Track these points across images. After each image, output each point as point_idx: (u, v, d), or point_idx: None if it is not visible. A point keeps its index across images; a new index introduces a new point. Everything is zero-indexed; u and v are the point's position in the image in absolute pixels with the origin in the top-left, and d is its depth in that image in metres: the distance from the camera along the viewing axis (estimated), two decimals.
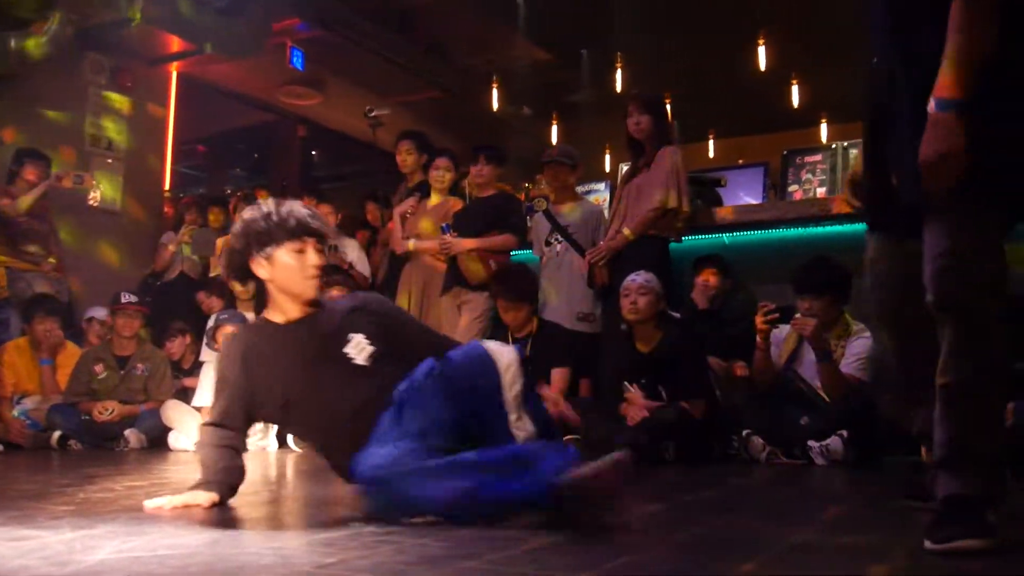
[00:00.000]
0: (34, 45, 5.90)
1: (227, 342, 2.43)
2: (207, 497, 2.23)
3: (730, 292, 4.81)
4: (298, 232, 2.31)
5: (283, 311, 2.36)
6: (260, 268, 2.32)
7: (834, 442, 3.71)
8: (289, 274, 2.30)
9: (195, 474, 2.37)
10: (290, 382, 2.27)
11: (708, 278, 4.75)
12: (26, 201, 5.56)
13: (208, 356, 5.27)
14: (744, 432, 3.99)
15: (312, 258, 2.31)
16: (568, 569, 1.46)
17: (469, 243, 4.87)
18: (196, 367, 5.41)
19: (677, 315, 4.46)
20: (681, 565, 1.58)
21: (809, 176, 5.22)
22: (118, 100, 7.05)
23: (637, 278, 4.11)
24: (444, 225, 4.97)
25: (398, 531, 1.92)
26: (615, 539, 1.84)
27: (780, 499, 2.84)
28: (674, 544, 1.79)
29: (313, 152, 11.00)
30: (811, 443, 3.80)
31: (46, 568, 1.39)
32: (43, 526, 1.85)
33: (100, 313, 5.69)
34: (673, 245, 4.69)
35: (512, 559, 1.56)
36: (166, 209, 7.47)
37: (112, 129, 7.01)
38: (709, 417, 4.01)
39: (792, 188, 5.25)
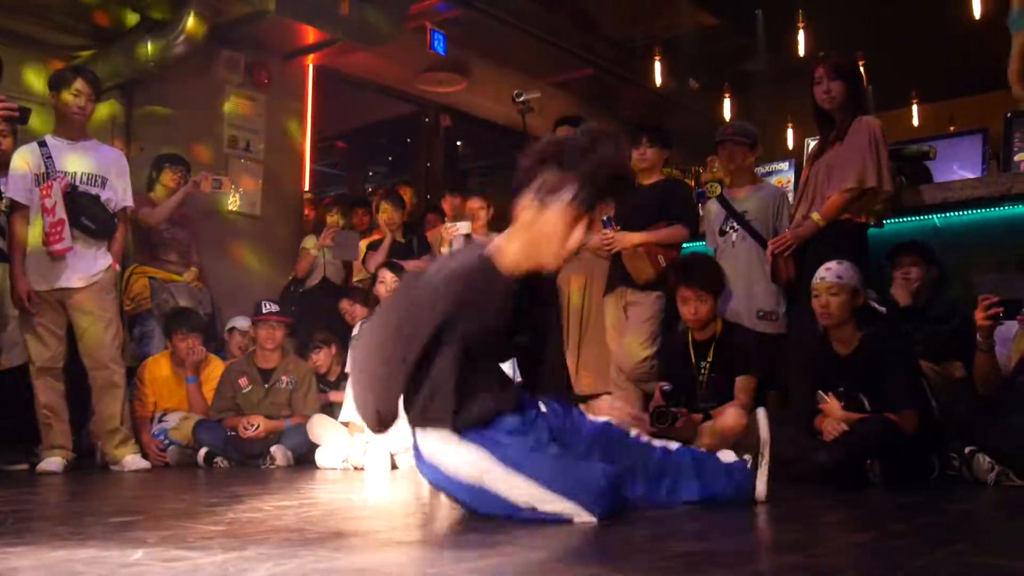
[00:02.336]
0: (168, 46, 6.28)
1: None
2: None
3: (938, 284, 4.56)
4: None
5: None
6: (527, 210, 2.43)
7: None
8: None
9: (341, 494, 2.46)
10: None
11: (909, 270, 4.51)
12: (165, 208, 5.92)
13: None
14: (967, 449, 3.77)
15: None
16: None
17: (634, 237, 4.84)
18: (342, 379, 5.62)
19: (883, 309, 4.27)
20: None
21: None
22: (255, 98, 7.42)
23: (827, 275, 3.93)
24: (605, 218, 4.95)
25: (572, 557, 1.93)
26: (809, 574, 1.79)
27: (1014, 530, 2.67)
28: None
29: (458, 143, 11.22)
30: None
31: None
32: (194, 547, 1.96)
33: (241, 323, 5.99)
34: (872, 231, 4.51)
35: (667, 569, 1.54)
36: (306, 211, 7.78)
37: (249, 129, 7.39)
38: (922, 431, 3.81)
39: (1019, 157, 4.94)
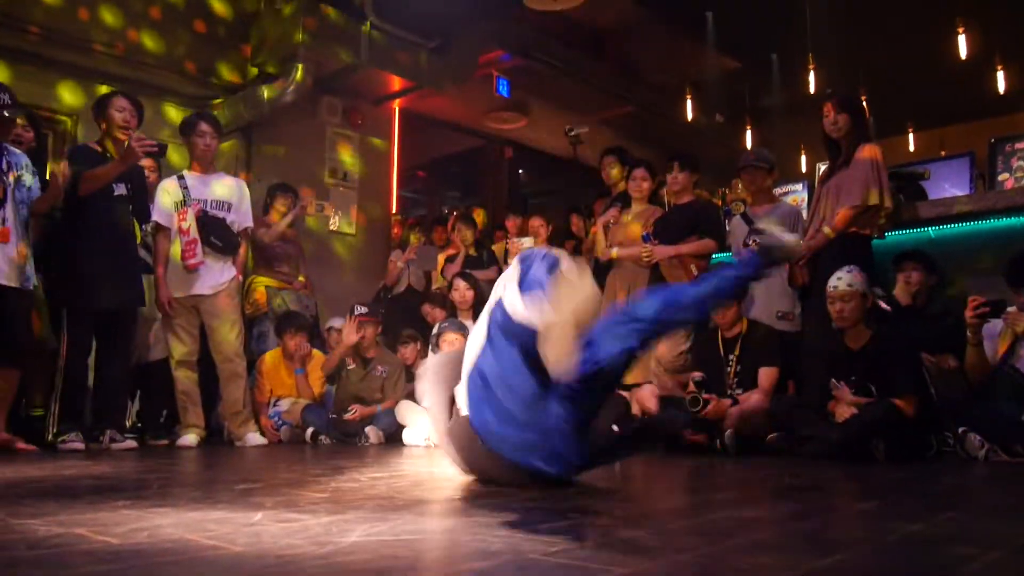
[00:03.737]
0: (280, 94, 6.39)
1: None
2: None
3: (935, 288, 4.44)
4: None
5: None
6: None
7: None
8: None
9: (424, 468, 2.46)
10: None
11: (911, 274, 4.40)
12: (278, 228, 6.02)
13: None
14: (960, 429, 3.67)
15: None
16: (773, 570, 1.40)
17: (670, 250, 4.80)
18: None
19: (888, 308, 4.18)
20: (896, 565, 1.47)
21: (1021, 163, 4.74)
22: (350, 136, 7.51)
23: (839, 284, 3.87)
24: (645, 234, 4.92)
25: (611, 523, 1.92)
26: (821, 537, 1.75)
27: (1005, 497, 2.59)
28: (886, 544, 1.67)
29: (520, 171, 11.24)
30: None
31: (310, 547, 1.50)
32: (304, 510, 1.99)
33: (338, 323, 6.04)
34: (876, 242, 4.41)
35: (722, 553, 1.52)
36: (394, 230, 7.85)
37: (346, 162, 7.48)
38: (921, 414, 3.72)
39: (1002, 177, 4.79)
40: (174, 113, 6.47)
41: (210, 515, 1.90)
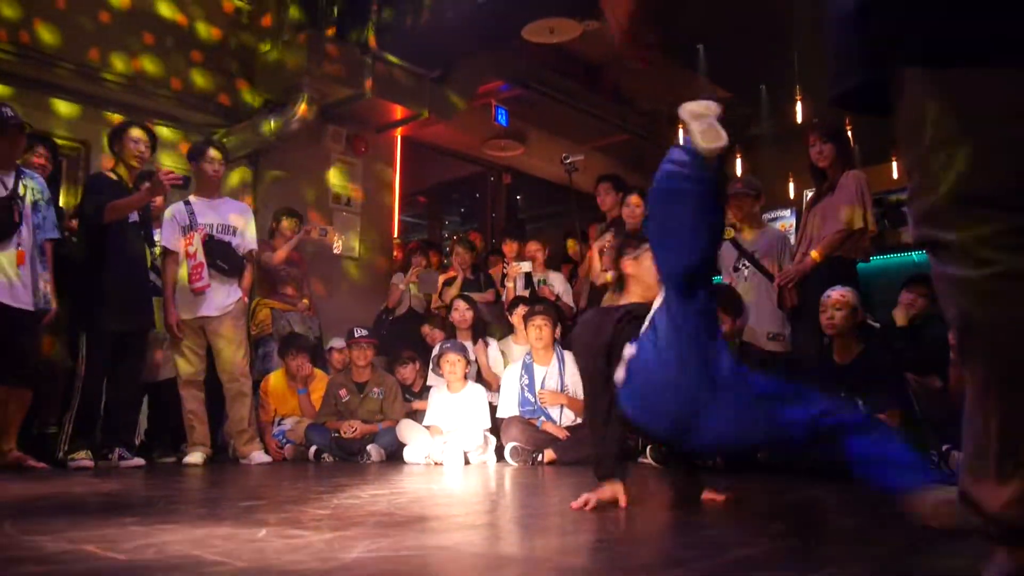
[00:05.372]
0: (286, 123, 6.43)
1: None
2: (611, 491, 2.43)
3: (931, 313, 4.45)
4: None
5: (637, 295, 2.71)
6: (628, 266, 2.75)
7: None
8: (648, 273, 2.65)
9: (424, 484, 2.46)
10: None
11: (916, 299, 4.41)
12: (283, 252, 6.03)
13: (434, 381, 5.49)
14: (944, 447, 3.67)
15: None
16: None
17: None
18: (424, 391, 5.64)
19: (877, 324, 4.20)
20: None
21: None
22: (354, 163, 7.55)
23: (833, 293, 3.94)
24: None
25: (611, 539, 1.92)
26: (813, 553, 1.75)
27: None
28: (871, 556, 1.67)
29: (518, 197, 11.27)
30: None
31: (313, 563, 1.50)
32: (307, 527, 1.99)
33: (339, 344, 6.03)
34: (861, 265, 4.43)
35: (715, 568, 1.52)
36: (395, 253, 7.86)
37: (350, 188, 7.51)
38: (905, 431, 3.72)
39: None
40: (174, 137, 6.50)
41: (216, 531, 1.90)
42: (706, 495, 2.59)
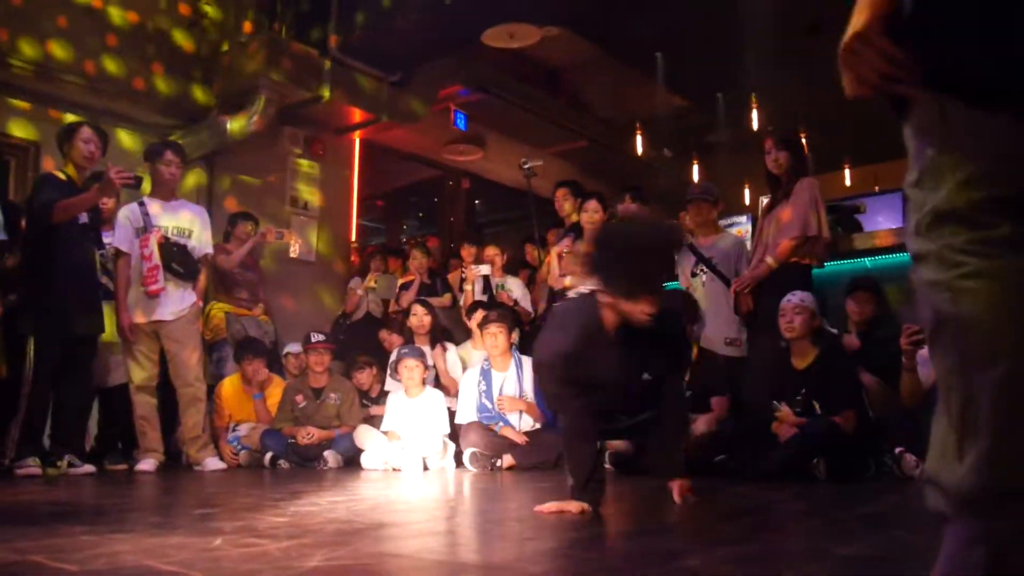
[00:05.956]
0: (244, 124, 6.35)
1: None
2: (579, 506, 2.44)
3: (880, 315, 4.53)
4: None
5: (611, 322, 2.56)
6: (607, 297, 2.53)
7: None
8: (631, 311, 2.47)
9: (382, 491, 2.45)
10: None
11: (862, 307, 4.45)
12: (238, 255, 5.94)
13: (392, 386, 5.45)
14: (897, 450, 3.76)
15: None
16: None
17: None
18: (382, 396, 5.60)
19: (835, 331, 4.28)
20: None
21: None
22: (311, 166, 7.48)
23: (792, 298, 4.01)
24: None
25: (570, 546, 1.92)
26: (772, 558, 1.77)
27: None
28: (836, 561, 1.70)
29: (476, 201, 11.28)
30: None
31: (270, 572, 1.47)
32: (263, 535, 1.96)
33: (295, 348, 5.96)
34: (815, 271, 4.51)
35: (672, 574, 1.53)
36: (353, 258, 7.81)
37: (307, 191, 7.43)
38: (860, 431, 3.80)
39: None
40: (129, 141, 6.38)
41: (169, 540, 1.86)
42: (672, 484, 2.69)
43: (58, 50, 5.89)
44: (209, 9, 6.80)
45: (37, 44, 5.77)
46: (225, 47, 6.71)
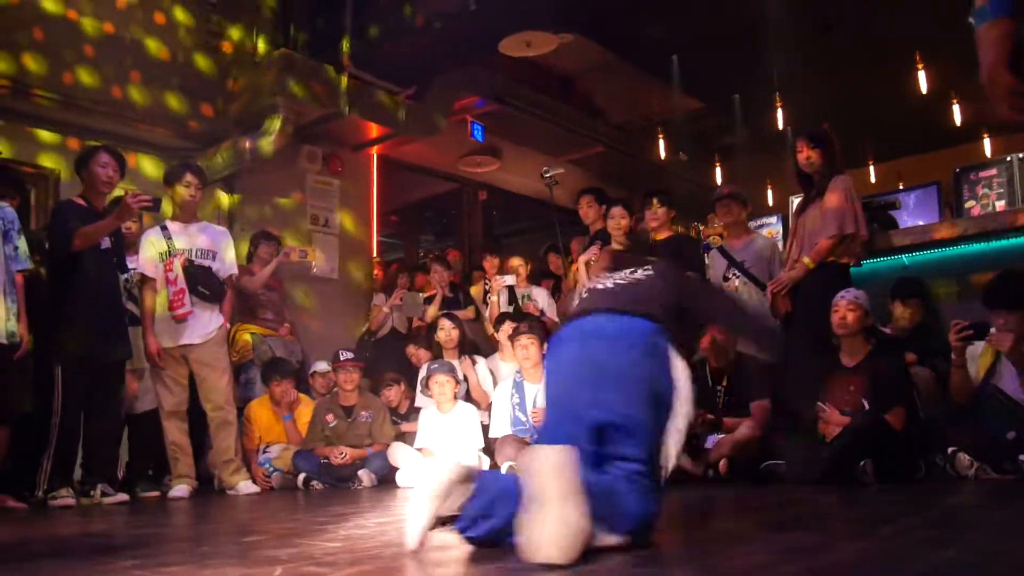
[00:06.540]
0: (262, 144, 6.31)
1: None
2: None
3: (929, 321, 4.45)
4: None
5: None
6: None
7: None
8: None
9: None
10: None
11: (914, 312, 4.38)
12: (262, 276, 5.90)
13: (424, 402, 5.38)
14: (950, 449, 3.65)
15: None
16: None
17: None
18: (411, 412, 5.54)
19: (887, 330, 4.20)
20: None
21: (986, 191, 4.81)
22: (331, 183, 7.44)
23: (847, 295, 3.96)
24: None
25: (615, 554, 1.84)
26: (842, 569, 1.68)
27: (1009, 519, 2.54)
28: (920, 573, 1.60)
29: (494, 212, 11.22)
30: (1022, 457, 3.45)
31: None
32: (322, 562, 1.88)
33: (322, 367, 5.91)
34: (853, 269, 4.42)
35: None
36: (376, 273, 7.76)
37: (327, 208, 7.40)
38: (909, 429, 3.70)
39: (969, 204, 4.85)
40: (150, 166, 6.37)
41: (226, 571, 1.79)
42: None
43: (77, 76, 5.87)
44: (226, 30, 6.79)
45: (53, 70, 5.75)
46: (241, 68, 6.69)
